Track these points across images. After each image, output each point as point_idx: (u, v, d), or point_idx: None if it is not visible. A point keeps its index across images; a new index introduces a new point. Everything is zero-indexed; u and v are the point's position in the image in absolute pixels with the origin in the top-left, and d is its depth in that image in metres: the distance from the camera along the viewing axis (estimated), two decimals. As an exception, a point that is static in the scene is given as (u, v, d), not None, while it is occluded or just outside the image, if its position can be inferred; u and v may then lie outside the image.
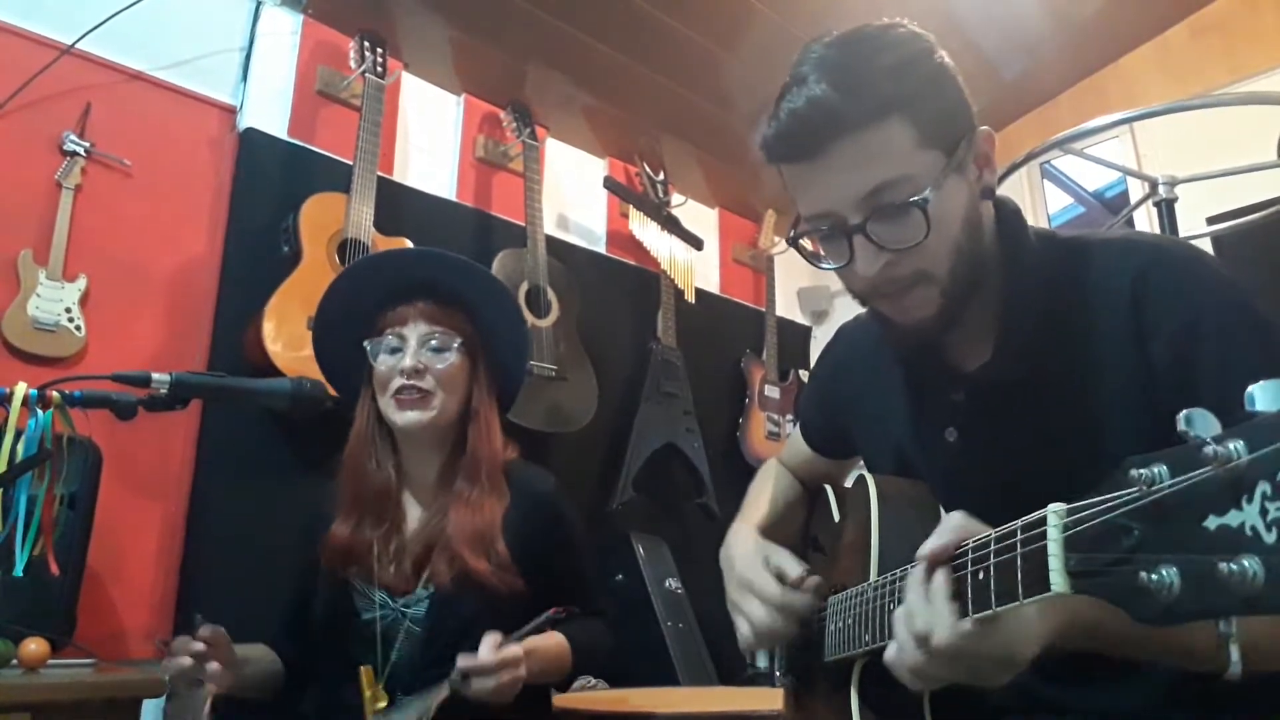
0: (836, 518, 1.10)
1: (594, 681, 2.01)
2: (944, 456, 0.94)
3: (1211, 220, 2.27)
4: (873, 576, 0.88)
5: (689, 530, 2.86)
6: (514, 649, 1.21)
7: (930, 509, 0.95)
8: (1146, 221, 2.52)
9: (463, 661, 1.18)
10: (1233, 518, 0.43)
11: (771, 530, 1.14)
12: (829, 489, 1.14)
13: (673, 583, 2.61)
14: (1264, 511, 0.41)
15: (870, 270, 0.84)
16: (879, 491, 0.95)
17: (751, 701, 1.74)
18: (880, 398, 1.05)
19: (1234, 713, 0.79)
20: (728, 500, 2.87)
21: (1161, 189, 1.86)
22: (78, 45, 2.00)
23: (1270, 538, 0.41)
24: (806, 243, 0.91)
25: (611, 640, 1.47)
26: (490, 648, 1.19)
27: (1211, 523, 0.44)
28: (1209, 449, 0.44)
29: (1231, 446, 0.43)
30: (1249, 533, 0.42)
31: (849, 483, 1.06)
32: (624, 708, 1.70)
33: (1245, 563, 0.41)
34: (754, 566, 1.02)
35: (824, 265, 0.90)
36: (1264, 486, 0.41)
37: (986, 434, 0.91)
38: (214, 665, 1.22)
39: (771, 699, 1.62)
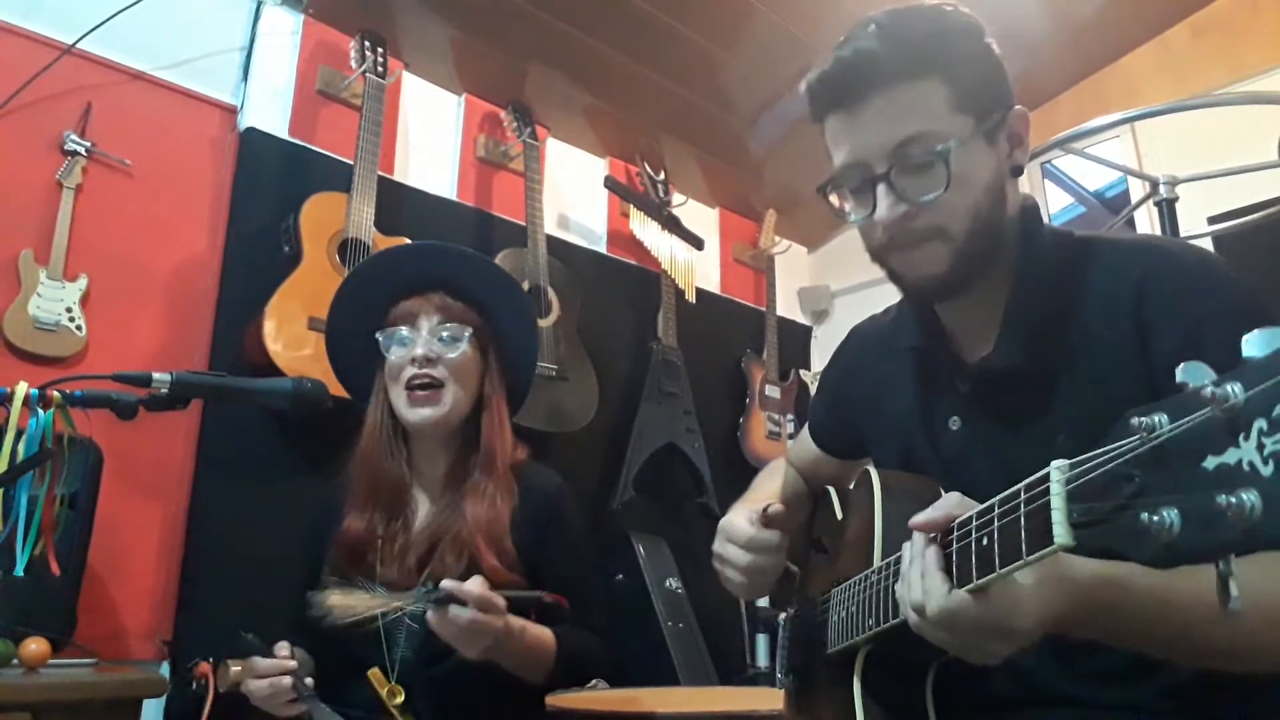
0: (839, 516, 1.10)
1: (595, 681, 2.00)
2: (948, 445, 0.96)
3: (1212, 220, 2.27)
4: (876, 563, 0.88)
5: (689, 530, 2.86)
6: (499, 598, 1.19)
7: (934, 500, 0.96)
8: (1147, 221, 2.52)
9: (448, 584, 1.17)
10: (1230, 455, 0.44)
11: None
12: (832, 490, 1.15)
13: (673, 582, 2.61)
14: (1260, 446, 0.42)
15: (889, 217, 0.88)
16: (883, 484, 0.96)
17: (751, 701, 1.74)
18: (889, 393, 1.06)
19: (1231, 705, 0.79)
20: (728, 500, 2.83)
21: (1162, 189, 1.85)
22: (78, 45, 2.00)
23: (1267, 470, 0.42)
24: (834, 197, 0.96)
25: (603, 653, 1.44)
26: (478, 583, 1.18)
27: (1210, 462, 0.45)
28: (1207, 391, 0.45)
29: (1229, 388, 0.44)
30: (1247, 468, 0.43)
31: (853, 484, 1.07)
32: (624, 707, 1.70)
33: (1243, 495, 0.42)
34: (734, 518, 1.08)
35: (849, 218, 0.95)
36: (1260, 423, 0.42)
37: (988, 423, 0.93)
38: (310, 679, 1.26)
39: (771, 699, 1.62)
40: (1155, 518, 0.47)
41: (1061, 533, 0.56)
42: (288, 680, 1.22)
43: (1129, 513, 0.50)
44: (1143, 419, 0.49)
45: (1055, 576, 0.68)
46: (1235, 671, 0.74)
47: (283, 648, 1.26)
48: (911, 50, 0.86)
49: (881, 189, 0.88)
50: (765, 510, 1.04)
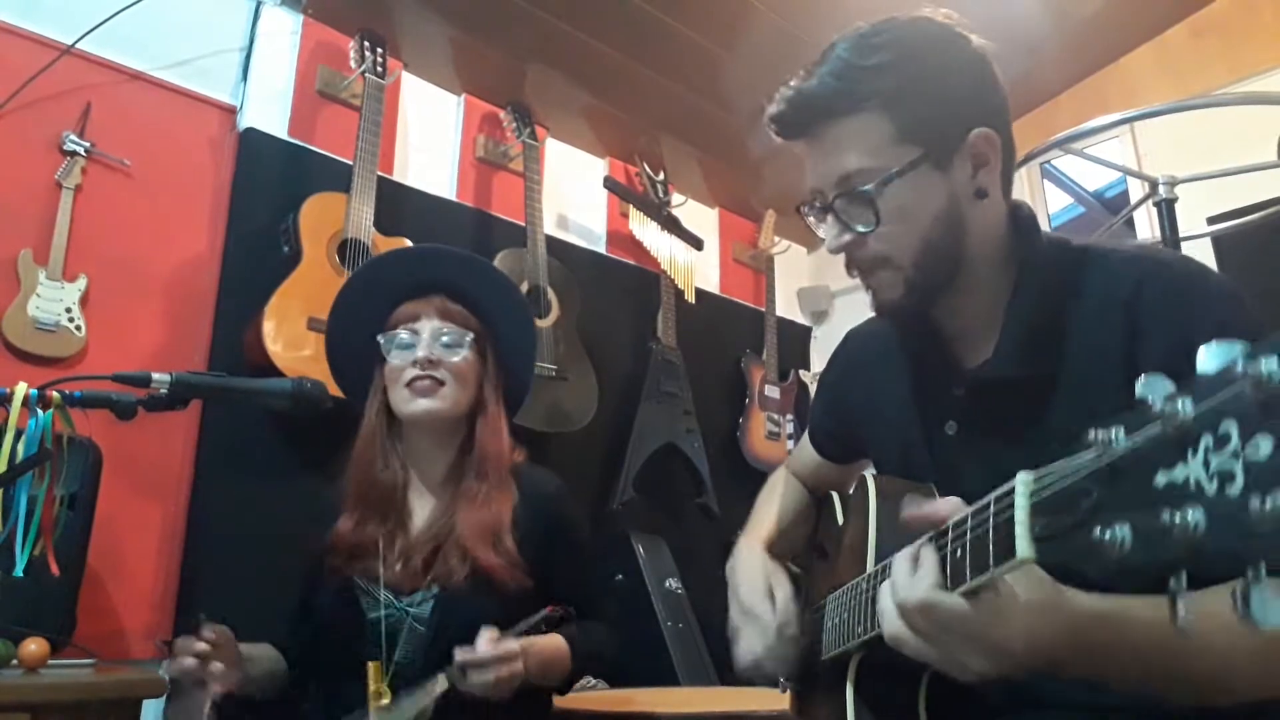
0: (840, 521, 1.10)
1: (594, 682, 2.01)
2: (944, 450, 0.96)
3: (1212, 220, 2.27)
4: (869, 570, 0.88)
5: (689, 530, 2.86)
6: (511, 644, 1.21)
7: None
8: (1147, 221, 2.52)
9: (460, 655, 1.18)
10: (1179, 472, 0.43)
11: (778, 544, 1.16)
12: (835, 495, 1.15)
13: (673, 583, 2.61)
14: (1207, 463, 0.42)
15: (833, 246, 0.93)
16: (878, 490, 0.96)
17: (751, 701, 1.74)
18: (886, 397, 1.06)
19: (1220, 709, 0.78)
20: (728, 500, 2.88)
21: (1161, 189, 1.85)
22: (78, 45, 2.00)
23: (1212, 487, 0.41)
24: (810, 218, 0.98)
25: (615, 644, 1.46)
26: (487, 642, 1.19)
27: (1161, 479, 0.45)
28: (1158, 407, 0.45)
29: (1179, 404, 0.44)
30: (1193, 485, 0.42)
31: (852, 490, 1.07)
32: (624, 707, 1.70)
33: (1189, 513, 0.42)
34: (757, 593, 1.06)
35: (820, 234, 0.97)
36: (1207, 439, 0.42)
37: (984, 429, 0.93)
38: (218, 665, 1.21)
39: (771, 699, 1.62)
40: (1108, 534, 0.47)
41: (1024, 546, 0.56)
42: (190, 661, 1.19)
43: (1085, 528, 0.49)
44: (1101, 433, 0.49)
45: (1051, 605, 0.67)
46: (1231, 703, 0.73)
47: (207, 630, 1.21)
48: (852, 85, 0.88)
49: (829, 218, 0.92)
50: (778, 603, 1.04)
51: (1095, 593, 0.68)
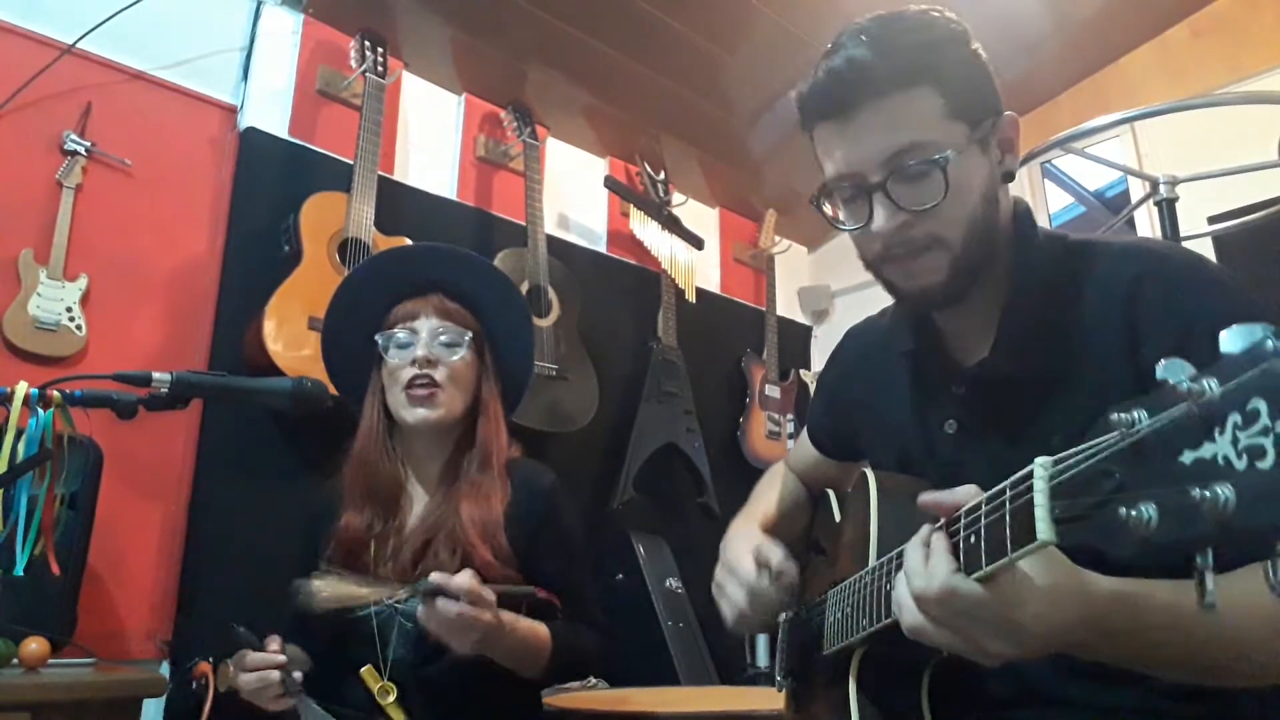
0: (838, 519, 1.10)
1: (594, 681, 2.01)
2: (943, 448, 0.96)
3: (1212, 220, 2.27)
4: (871, 564, 0.88)
5: (689, 530, 2.86)
6: (488, 591, 1.18)
7: None
8: (1147, 221, 2.52)
9: (436, 577, 1.16)
10: (1207, 450, 0.44)
11: (773, 529, 1.16)
12: (831, 493, 1.15)
13: (673, 582, 2.61)
14: (1235, 440, 0.43)
15: (887, 227, 0.87)
16: (879, 485, 0.96)
17: (751, 701, 1.74)
18: (885, 395, 1.06)
19: (1226, 707, 0.79)
20: (728, 500, 2.88)
21: (1162, 188, 1.85)
22: (78, 45, 2.00)
23: (1241, 464, 0.42)
24: (828, 206, 0.95)
25: (602, 649, 1.43)
26: (467, 576, 1.17)
27: (1187, 457, 0.45)
28: (1184, 387, 0.46)
29: (1205, 383, 0.45)
30: (1221, 462, 0.43)
31: (851, 487, 1.07)
32: (624, 707, 1.70)
33: (1218, 489, 0.43)
34: (742, 553, 1.06)
35: (842, 227, 0.94)
36: (1235, 417, 0.43)
37: (984, 427, 0.93)
38: (298, 673, 1.23)
39: (771, 699, 1.62)
40: (1134, 512, 0.47)
41: (1044, 529, 0.56)
42: (275, 674, 1.21)
43: (1109, 508, 0.50)
44: (1122, 415, 0.50)
45: (1070, 587, 0.67)
46: (1245, 685, 0.74)
47: (273, 641, 1.25)
48: (903, 58, 0.85)
49: (878, 198, 0.87)
50: (780, 567, 1.02)
51: (1114, 576, 0.69)
